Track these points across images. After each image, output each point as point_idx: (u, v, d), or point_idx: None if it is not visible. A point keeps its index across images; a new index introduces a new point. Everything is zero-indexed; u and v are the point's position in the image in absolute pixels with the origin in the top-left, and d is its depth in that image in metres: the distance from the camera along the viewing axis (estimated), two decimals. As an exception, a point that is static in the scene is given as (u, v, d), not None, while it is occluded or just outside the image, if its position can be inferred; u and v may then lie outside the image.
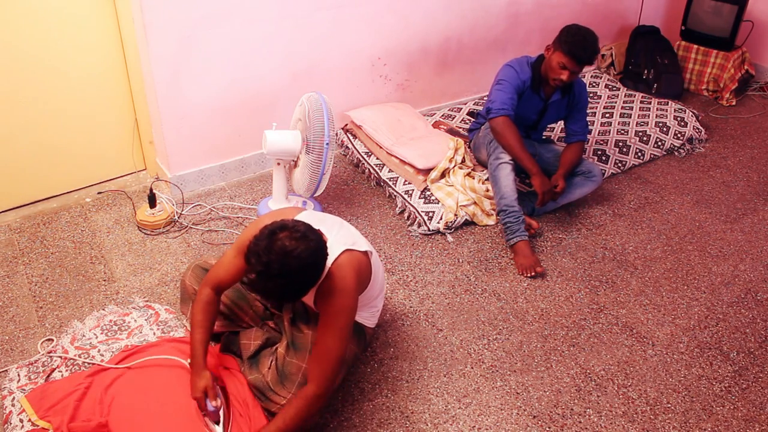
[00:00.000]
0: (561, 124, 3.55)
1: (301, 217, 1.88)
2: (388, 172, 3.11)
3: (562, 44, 2.66)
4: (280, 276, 1.53)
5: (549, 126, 3.49)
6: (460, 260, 2.71)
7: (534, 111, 2.91)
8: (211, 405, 1.78)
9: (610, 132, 3.57)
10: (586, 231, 2.94)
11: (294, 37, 3.02)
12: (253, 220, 2.00)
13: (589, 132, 2.99)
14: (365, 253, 1.86)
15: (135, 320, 2.27)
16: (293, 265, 1.53)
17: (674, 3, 4.64)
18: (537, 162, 2.78)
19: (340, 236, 1.83)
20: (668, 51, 4.29)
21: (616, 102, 3.91)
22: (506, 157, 2.74)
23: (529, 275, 2.62)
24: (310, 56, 3.12)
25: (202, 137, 2.97)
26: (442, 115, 3.67)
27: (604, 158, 3.37)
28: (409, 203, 2.94)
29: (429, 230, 2.85)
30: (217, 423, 1.80)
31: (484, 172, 3.03)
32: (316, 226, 1.78)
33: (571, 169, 2.89)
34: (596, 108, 3.82)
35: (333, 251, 1.76)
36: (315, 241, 1.60)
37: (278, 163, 2.78)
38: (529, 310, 2.47)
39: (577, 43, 2.63)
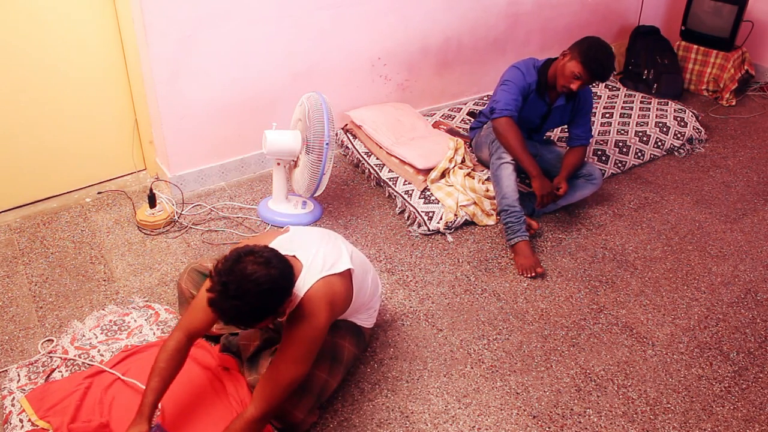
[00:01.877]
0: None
1: (280, 239, 1.86)
2: (388, 172, 3.11)
3: (581, 55, 2.63)
4: (235, 298, 1.52)
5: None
6: (460, 260, 2.71)
7: (537, 115, 2.91)
8: None
9: (610, 132, 3.57)
10: (586, 231, 2.94)
11: (294, 37, 3.02)
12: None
13: (592, 136, 2.99)
14: (344, 273, 1.82)
15: (135, 320, 2.27)
16: (250, 289, 1.52)
17: (674, 3, 4.64)
18: (538, 163, 2.78)
19: (318, 259, 1.79)
20: (668, 51, 4.29)
21: (616, 102, 3.92)
22: (508, 157, 2.74)
23: (529, 276, 2.62)
24: (310, 56, 3.12)
25: (202, 137, 2.97)
26: (442, 115, 3.67)
27: (604, 158, 3.37)
28: (409, 203, 2.94)
29: (429, 230, 2.85)
30: None
31: (484, 171, 3.04)
32: (293, 251, 1.77)
33: (573, 172, 2.89)
34: (596, 108, 3.82)
35: (307, 280, 1.74)
36: (277, 269, 1.58)
37: (278, 163, 2.78)
38: (529, 310, 2.47)
39: (598, 59, 2.61)
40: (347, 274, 1.84)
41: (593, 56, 2.61)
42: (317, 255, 1.81)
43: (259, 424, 1.70)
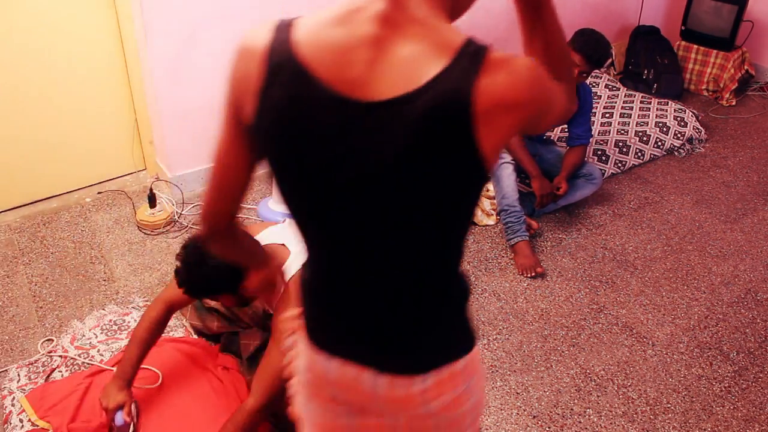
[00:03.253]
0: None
1: (271, 229, 1.86)
2: (388, 172, 3.10)
3: (574, 43, 2.68)
4: (194, 264, 1.63)
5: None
6: (460, 260, 2.71)
7: None
8: (120, 418, 1.74)
9: (610, 132, 3.57)
10: (586, 231, 2.94)
11: (294, 37, 3.01)
12: None
13: (592, 136, 3.00)
14: None
15: (135, 320, 2.26)
16: (206, 255, 1.58)
17: (674, 3, 4.64)
18: (538, 162, 2.79)
19: None
20: (668, 51, 4.28)
21: (616, 102, 3.91)
22: (508, 157, 2.74)
23: (529, 275, 2.62)
24: (310, 56, 3.12)
25: (202, 137, 2.97)
26: (442, 115, 3.67)
27: (604, 158, 3.37)
28: (409, 203, 2.93)
29: (429, 230, 2.84)
30: None
31: (484, 172, 3.03)
32: (282, 240, 1.78)
33: (573, 172, 2.90)
34: (596, 108, 3.82)
35: (292, 268, 1.74)
36: None
37: (278, 163, 2.77)
38: (529, 310, 2.47)
39: (590, 43, 2.65)
40: None
41: (585, 41, 2.65)
42: None
43: (259, 415, 1.72)
